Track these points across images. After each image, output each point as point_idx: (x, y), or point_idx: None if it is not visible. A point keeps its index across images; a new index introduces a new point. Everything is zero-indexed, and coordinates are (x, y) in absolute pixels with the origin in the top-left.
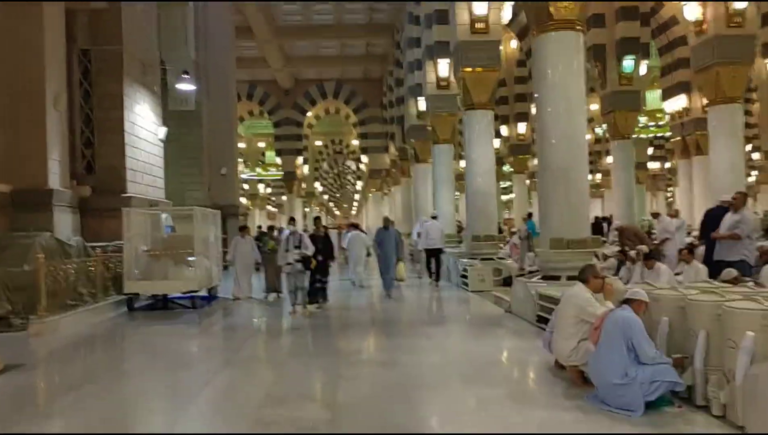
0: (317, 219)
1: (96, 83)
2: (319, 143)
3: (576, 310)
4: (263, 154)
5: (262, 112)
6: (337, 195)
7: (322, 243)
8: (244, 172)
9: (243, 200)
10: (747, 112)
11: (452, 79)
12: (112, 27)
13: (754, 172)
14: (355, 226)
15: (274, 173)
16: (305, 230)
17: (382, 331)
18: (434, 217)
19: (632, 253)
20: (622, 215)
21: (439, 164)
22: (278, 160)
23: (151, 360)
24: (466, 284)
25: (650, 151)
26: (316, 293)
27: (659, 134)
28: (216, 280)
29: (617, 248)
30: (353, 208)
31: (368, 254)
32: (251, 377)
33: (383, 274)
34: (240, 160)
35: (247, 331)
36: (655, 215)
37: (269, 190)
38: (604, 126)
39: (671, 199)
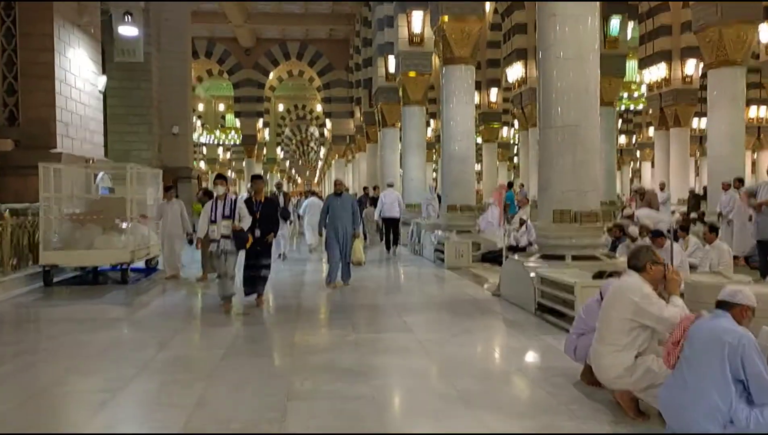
0: (256, 178)
1: (21, 21)
2: (281, 108)
3: (632, 310)
4: (223, 118)
5: (222, 72)
6: (300, 162)
7: (264, 211)
8: (202, 135)
9: (202, 165)
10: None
11: (426, 35)
12: None
13: None
14: (314, 193)
15: (234, 137)
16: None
17: (345, 319)
18: (390, 186)
19: (632, 229)
20: (604, 191)
21: (409, 128)
22: (237, 123)
23: (43, 358)
24: (442, 260)
25: (619, 124)
26: (254, 283)
27: (631, 107)
28: (156, 250)
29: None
30: (316, 175)
31: None
32: (168, 394)
33: (329, 259)
34: (199, 122)
35: (178, 320)
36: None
37: (229, 154)
38: None
39: (638, 174)
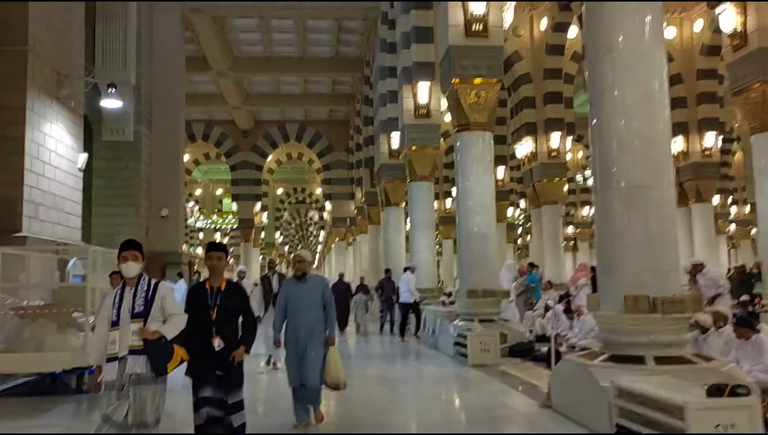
0: (213, 249)
1: None
2: (280, 191)
3: None
4: (221, 202)
5: (219, 155)
6: (299, 246)
7: (226, 306)
8: (199, 220)
9: (199, 251)
10: (725, 164)
11: (433, 107)
12: (16, 23)
13: None
14: None
15: (231, 221)
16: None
17: None
18: (407, 269)
19: (703, 317)
20: None
21: (416, 205)
22: (234, 207)
23: None
24: (464, 355)
25: None
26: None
27: None
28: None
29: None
30: (315, 260)
31: None
32: None
33: (289, 381)
34: (196, 207)
35: None
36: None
37: (226, 239)
38: None
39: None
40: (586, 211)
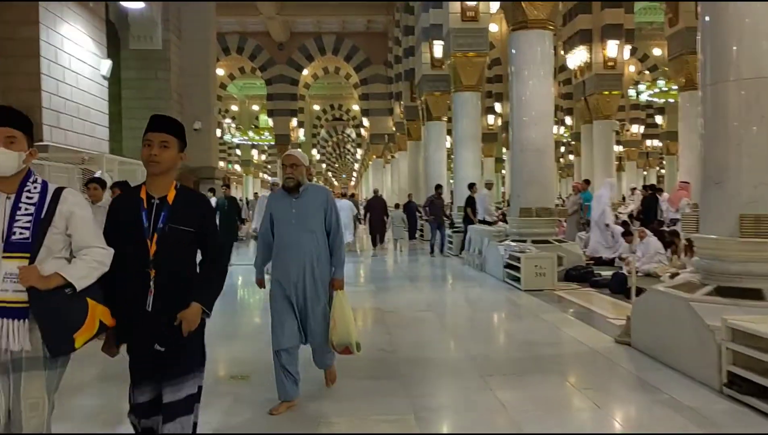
0: (156, 125)
1: None
2: (317, 108)
3: None
4: (257, 118)
5: (254, 69)
6: (336, 165)
7: (179, 225)
8: (235, 136)
9: (237, 168)
10: None
11: (481, 8)
12: None
13: None
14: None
15: (268, 138)
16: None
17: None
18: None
19: None
20: None
21: (462, 117)
22: (270, 123)
23: None
24: (515, 279)
25: None
26: None
27: None
28: None
29: None
30: (352, 178)
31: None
32: None
33: (274, 335)
34: (231, 123)
35: None
36: None
37: (264, 156)
38: None
39: None
40: (636, 129)
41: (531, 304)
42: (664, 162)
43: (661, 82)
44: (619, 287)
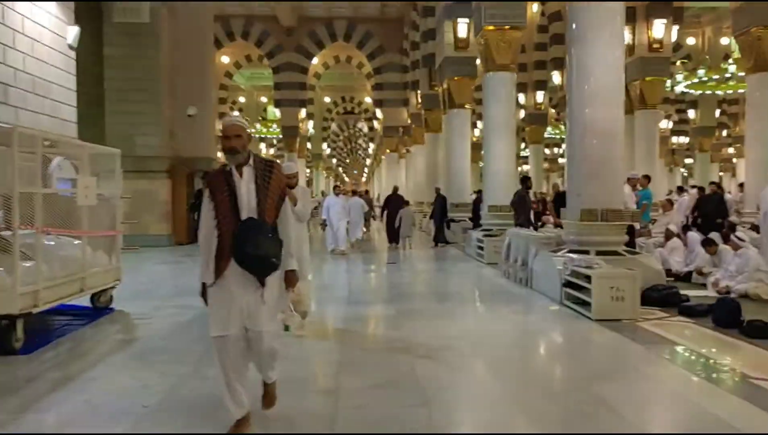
0: None
1: None
2: (327, 100)
3: None
4: (264, 111)
5: (261, 57)
6: (347, 160)
7: None
8: None
9: None
10: None
11: None
12: None
13: None
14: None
15: (276, 131)
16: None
17: None
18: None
19: None
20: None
21: (493, 101)
22: (278, 113)
23: None
24: (575, 301)
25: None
26: None
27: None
28: (108, 278)
29: None
30: (364, 173)
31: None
32: None
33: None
34: (239, 114)
35: None
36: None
37: (272, 150)
38: None
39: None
40: (664, 124)
41: (616, 345)
42: (692, 160)
43: (701, 72)
44: (728, 319)
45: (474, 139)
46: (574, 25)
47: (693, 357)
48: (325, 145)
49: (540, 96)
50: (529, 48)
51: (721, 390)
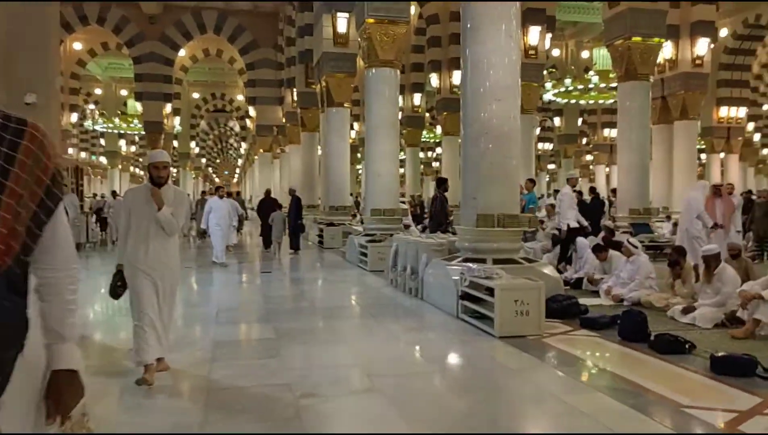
0: None
1: None
2: (196, 96)
3: None
4: (125, 104)
5: (120, 46)
6: (218, 160)
7: None
8: (97, 123)
9: (103, 160)
10: None
11: None
12: None
13: None
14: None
15: (137, 126)
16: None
17: None
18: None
19: None
20: None
21: (377, 99)
22: (139, 107)
23: None
24: (474, 316)
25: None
26: None
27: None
28: None
29: None
30: (236, 174)
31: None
32: None
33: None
34: (95, 108)
35: None
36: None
37: (134, 148)
38: None
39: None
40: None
41: (531, 369)
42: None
43: (567, 81)
44: (635, 332)
45: (351, 140)
46: (468, 24)
47: (615, 383)
48: (193, 144)
49: (417, 98)
50: (407, 50)
51: (654, 422)
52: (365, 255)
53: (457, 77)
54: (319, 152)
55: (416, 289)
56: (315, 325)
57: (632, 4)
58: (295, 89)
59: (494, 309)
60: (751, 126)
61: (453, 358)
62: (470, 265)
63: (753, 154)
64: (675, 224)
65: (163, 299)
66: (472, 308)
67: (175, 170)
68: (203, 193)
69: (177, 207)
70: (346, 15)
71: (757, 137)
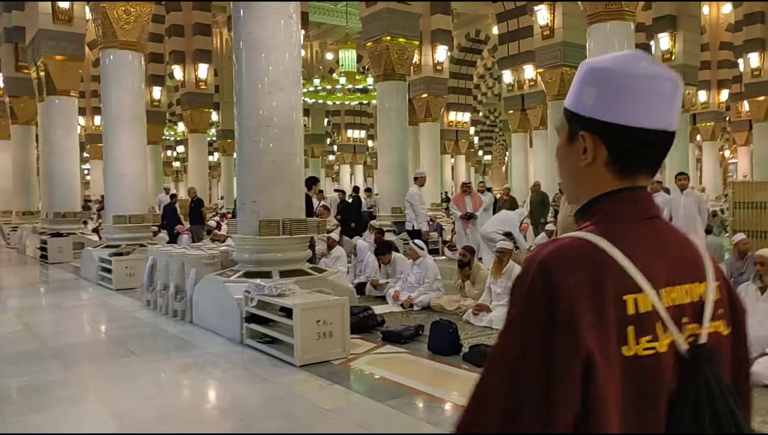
0: None
1: None
2: None
3: None
4: None
5: None
6: None
7: None
8: None
9: None
10: None
11: None
12: None
13: None
14: None
15: None
16: None
17: None
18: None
19: None
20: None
21: (115, 86)
22: None
23: None
24: (269, 341)
25: None
26: None
27: None
28: None
29: None
30: None
31: None
32: None
33: None
34: None
35: None
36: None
37: None
38: None
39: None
40: None
41: (343, 404)
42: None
43: (316, 81)
44: (447, 345)
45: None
46: (241, 11)
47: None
48: None
49: (157, 92)
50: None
51: None
52: (109, 271)
53: (203, 71)
54: (38, 149)
55: (183, 311)
56: (50, 377)
57: (389, 5)
58: (1, 74)
59: (293, 333)
60: (472, 130)
61: (254, 405)
62: (257, 280)
63: (473, 156)
64: (432, 221)
65: None
66: (261, 332)
67: None
68: None
69: None
70: None
71: (476, 140)
